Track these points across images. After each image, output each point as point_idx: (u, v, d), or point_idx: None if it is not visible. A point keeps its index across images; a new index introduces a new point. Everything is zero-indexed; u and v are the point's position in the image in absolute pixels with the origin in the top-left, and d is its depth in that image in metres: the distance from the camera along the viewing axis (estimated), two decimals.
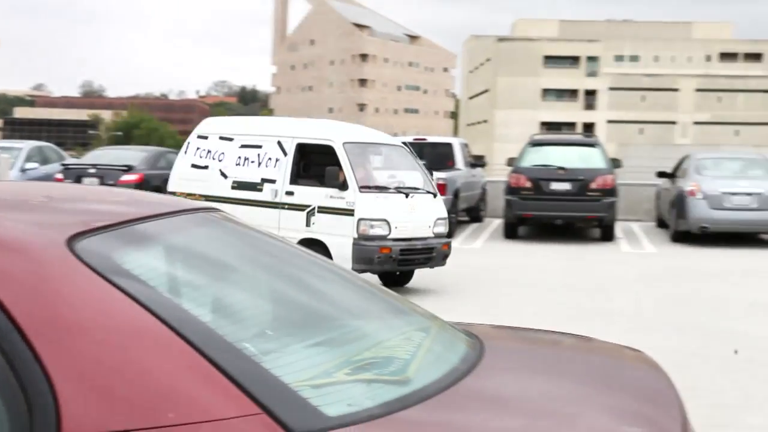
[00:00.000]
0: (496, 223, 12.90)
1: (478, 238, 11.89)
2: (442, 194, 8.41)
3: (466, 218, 13.15)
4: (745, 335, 5.79)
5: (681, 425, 1.58)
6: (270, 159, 7.33)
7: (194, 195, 7.42)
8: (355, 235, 6.69)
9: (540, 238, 11.61)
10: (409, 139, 13.20)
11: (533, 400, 1.54)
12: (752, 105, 51.45)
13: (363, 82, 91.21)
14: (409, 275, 7.66)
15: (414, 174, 7.58)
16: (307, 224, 6.97)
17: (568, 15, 70.75)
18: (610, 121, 53.07)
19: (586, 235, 11.98)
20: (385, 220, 6.80)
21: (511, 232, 11.55)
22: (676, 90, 54.95)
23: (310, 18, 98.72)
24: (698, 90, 53.83)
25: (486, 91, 61.20)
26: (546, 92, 56.54)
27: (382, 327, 1.77)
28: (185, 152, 8.17)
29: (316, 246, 6.63)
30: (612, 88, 55.42)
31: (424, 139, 13.78)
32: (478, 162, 14.21)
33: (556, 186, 11.09)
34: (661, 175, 12.88)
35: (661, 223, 12.83)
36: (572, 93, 57.31)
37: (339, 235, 6.75)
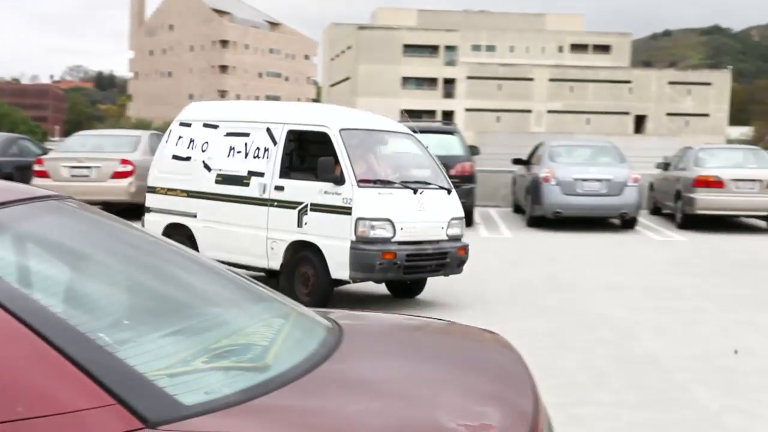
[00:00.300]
0: None
1: None
2: None
3: None
4: (601, 316, 6.12)
5: (533, 404, 1.68)
6: (258, 149, 6.33)
7: (176, 190, 6.79)
8: (353, 238, 5.71)
9: None
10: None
11: (390, 383, 1.64)
12: (602, 95, 55.96)
13: (224, 68, 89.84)
14: (421, 284, 6.67)
15: (424, 166, 6.64)
16: (299, 224, 5.98)
17: (427, 4, 73.42)
18: (468, 110, 55.09)
19: None
20: (388, 220, 5.81)
21: None
22: (530, 80, 57.72)
23: (168, 2, 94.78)
24: (551, 80, 56.85)
25: (347, 78, 61.61)
26: (406, 80, 57.84)
27: (241, 314, 1.83)
28: (166, 141, 7.16)
29: (310, 250, 5.93)
30: (470, 77, 57.44)
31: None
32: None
33: None
34: (517, 162, 13.00)
35: (518, 209, 13.05)
36: (432, 81, 58.85)
37: (334, 238, 5.80)
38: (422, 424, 1.46)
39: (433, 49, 58.32)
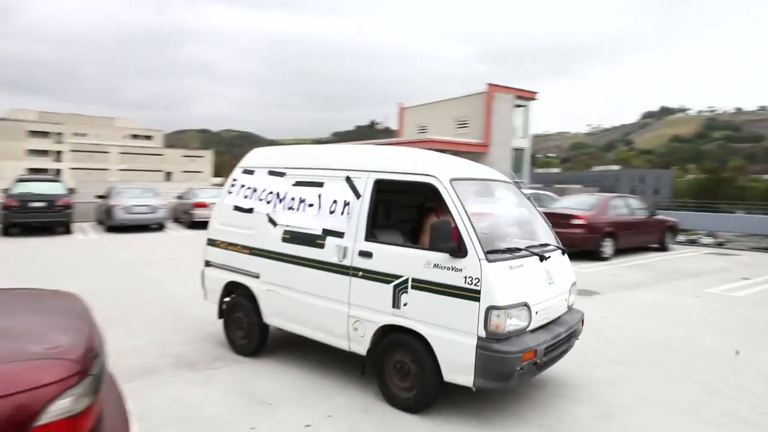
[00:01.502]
0: None
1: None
2: None
3: None
4: (148, 277, 10.72)
5: (89, 329, 2.45)
6: (335, 203, 5.08)
7: (236, 246, 5.90)
8: (482, 333, 4.11)
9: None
10: None
11: None
12: (148, 161, 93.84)
13: None
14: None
15: (537, 222, 5.33)
16: (395, 304, 4.54)
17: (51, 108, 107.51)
18: (72, 168, 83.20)
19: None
20: (524, 305, 4.28)
21: (6, 232, 17.67)
22: (108, 152, 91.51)
23: None
24: (120, 153, 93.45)
25: None
26: (31, 151, 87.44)
27: None
28: (229, 191, 6.21)
29: (411, 337, 4.48)
30: (73, 150, 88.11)
31: None
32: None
33: (34, 204, 18.23)
34: (100, 197, 21.68)
35: (101, 222, 21.16)
36: (47, 152, 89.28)
37: (450, 329, 4.23)
38: (11, 350, 2.18)
39: (48, 134, 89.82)
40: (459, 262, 4.24)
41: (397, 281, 4.56)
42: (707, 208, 28.93)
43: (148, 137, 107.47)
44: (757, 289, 10.89)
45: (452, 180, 4.60)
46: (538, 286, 4.56)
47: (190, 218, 21.26)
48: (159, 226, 20.47)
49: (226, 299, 6.31)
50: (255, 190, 5.91)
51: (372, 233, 4.90)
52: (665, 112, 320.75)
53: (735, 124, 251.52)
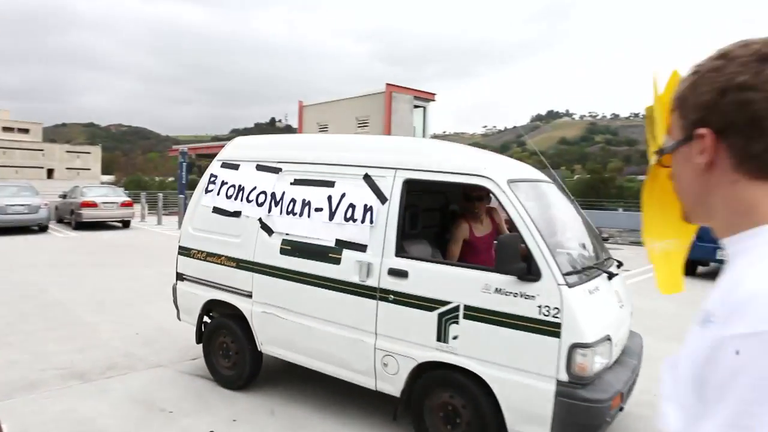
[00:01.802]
0: None
1: None
2: None
3: None
4: (26, 280, 10.56)
5: None
6: (352, 207, 4.10)
7: (219, 257, 4.86)
8: (563, 377, 3.25)
9: None
10: None
11: None
12: (26, 157, 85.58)
13: None
14: None
15: (588, 230, 4.39)
16: (441, 337, 3.64)
17: None
18: None
19: None
20: (608, 338, 3.45)
21: None
22: None
23: None
24: None
25: None
26: None
27: None
28: (206, 190, 5.14)
29: (463, 376, 3.61)
30: None
31: None
32: None
33: None
34: None
35: None
36: None
37: (518, 370, 3.40)
38: None
39: None
40: (530, 287, 3.36)
41: (443, 308, 3.64)
42: (593, 206, 31.09)
43: (24, 130, 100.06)
44: (635, 280, 11.79)
45: (510, 182, 3.72)
46: (612, 312, 3.75)
47: (77, 219, 19.97)
48: (41, 228, 19.27)
49: (206, 320, 5.33)
50: (241, 189, 4.86)
51: (401, 248, 3.96)
52: (552, 115, 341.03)
53: (613, 129, 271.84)
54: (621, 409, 3.54)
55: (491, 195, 3.89)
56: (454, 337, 3.63)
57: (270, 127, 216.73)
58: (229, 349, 5.10)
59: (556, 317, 3.27)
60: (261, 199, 4.70)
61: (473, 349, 3.57)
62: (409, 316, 3.80)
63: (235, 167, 5.02)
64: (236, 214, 4.83)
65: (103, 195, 20.88)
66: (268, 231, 4.59)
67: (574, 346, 3.23)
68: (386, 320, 3.91)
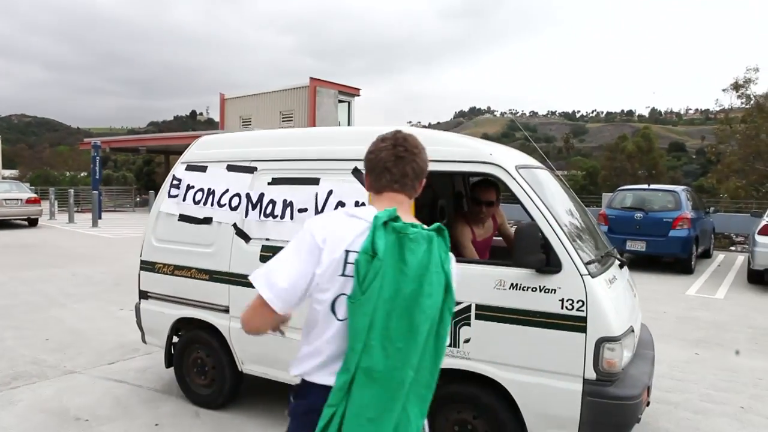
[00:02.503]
0: None
1: None
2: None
3: None
4: None
5: None
6: (342, 205, 3.77)
7: (189, 269, 4.47)
8: (590, 375, 3.07)
9: None
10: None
11: None
12: None
13: None
14: None
15: (589, 218, 4.20)
16: (452, 341, 3.38)
17: None
18: None
19: None
20: (632, 330, 3.37)
21: None
22: None
23: None
24: None
25: None
26: None
27: None
28: (170, 195, 4.71)
29: (475, 387, 3.37)
30: None
31: None
32: None
33: None
34: None
35: None
36: None
37: (539, 371, 3.19)
38: None
39: None
40: (550, 280, 3.12)
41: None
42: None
43: None
44: None
45: (518, 167, 3.50)
46: (629, 302, 3.57)
47: None
48: None
49: (175, 339, 4.85)
50: (211, 193, 4.42)
51: None
52: (475, 112, 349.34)
53: (532, 126, 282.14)
54: (647, 404, 3.36)
55: (500, 184, 3.63)
56: (466, 341, 3.35)
57: (191, 120, 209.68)
58: (205, 364, 4.65)
59: (581, 310, 3.06)
60: (234, 202, 4.29)
61: (488, 352, 3.30)
62: None
63: (203, 169, 4.57)
64: (207, 220, 4.41)
65: (5, 191, 19.57)
66: (245, 237, 4.19)
67: (602, 341, 3.03)
68: None
